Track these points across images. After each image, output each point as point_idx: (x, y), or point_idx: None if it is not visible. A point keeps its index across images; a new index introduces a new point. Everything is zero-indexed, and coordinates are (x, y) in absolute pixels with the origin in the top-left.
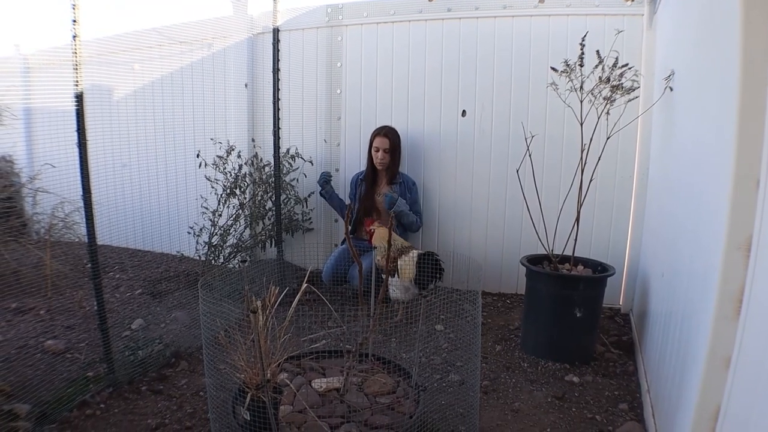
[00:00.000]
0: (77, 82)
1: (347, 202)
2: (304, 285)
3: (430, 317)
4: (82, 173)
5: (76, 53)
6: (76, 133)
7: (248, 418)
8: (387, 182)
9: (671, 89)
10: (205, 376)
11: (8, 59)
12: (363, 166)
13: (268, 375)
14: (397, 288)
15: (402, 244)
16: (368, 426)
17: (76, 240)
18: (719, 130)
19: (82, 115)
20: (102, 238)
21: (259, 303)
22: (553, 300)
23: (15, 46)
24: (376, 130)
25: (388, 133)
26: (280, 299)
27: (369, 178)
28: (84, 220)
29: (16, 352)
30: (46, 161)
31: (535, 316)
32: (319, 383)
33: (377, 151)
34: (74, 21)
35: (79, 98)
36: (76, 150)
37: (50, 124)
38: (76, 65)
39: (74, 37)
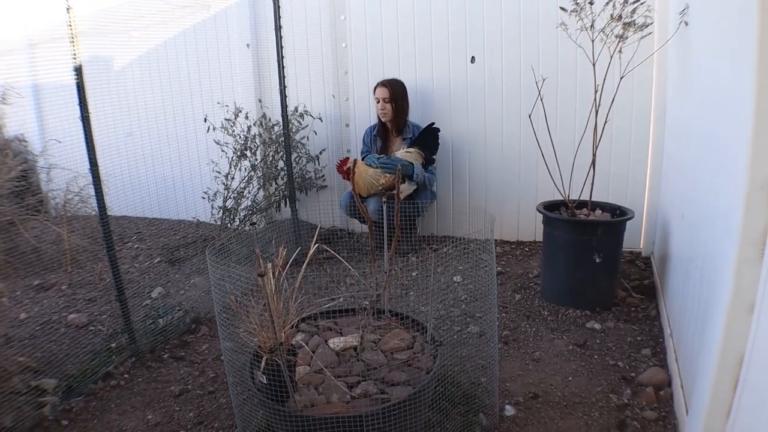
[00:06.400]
0: (75, 54)
1: (360, 156)
2: (314, 245)
3: (448, 269)
4: (87, 146)
5: (71, 26)
6: (78, 107)
7: (265, 382)
8: (396, 134)
9: (686, 24)
10: (220, 342)
11: (10, 38)
12: (373, 120)
13: (282, 338)
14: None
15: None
16: (386, 383)
17: (93, 213)
18: (738, 64)
19: (83, 88)
20: (119, 209)
21: (268, 265)
22: (571, 246)
23: (23, 26)
24: (377, 82)
25: (387, 83)
26: (293, 258)
27: (381, 132)
28: (94, 192)
29: (40, 328)
30: (56, 137)
31: (554, 263)
32: (336, 342)
33: (378, 101)
34: None
35: (79, 71)
36: (80, 123)
37: (56, 100)
38: (73, 38)
39: (68, 9)
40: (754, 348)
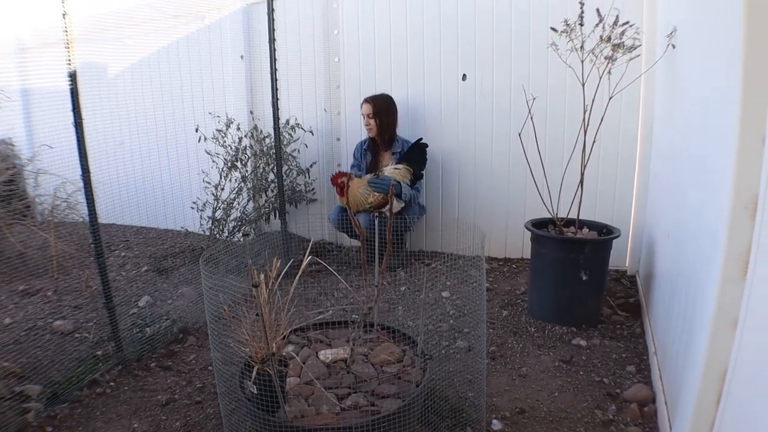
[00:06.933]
0: (70, 60)
1: (350, 170)
2: (307, 257)
3: (436, 284)
4: (80, 153)
5: (67, 31)
6: (71, 113)
7: (255, 392)
8: (384, 149)
9: (674, 46)
10: (211, 352)
11: (2, 41)
12: (364, 134)
13: (273, 348)
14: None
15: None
16: (375, 395)
17: (80, 220)
18: (724, 86)
19: (77, 94)
20: (107, 216)
21: (261, 277)
22: (559, 264)
23: (15, 30)
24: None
25: (370, 99)
26: (284, 271)
27: (371, 147)
28: (84, 199)
29: (25, 333)
30: (45, 142)
31: (541, 280)
32: (326, 354)
33: (363, 117)
34: None
35: (73, 77)
36: (73, 130)
37: (46, 105)
38: (68, 43)
39: (64, 14)
40: (737, 362)
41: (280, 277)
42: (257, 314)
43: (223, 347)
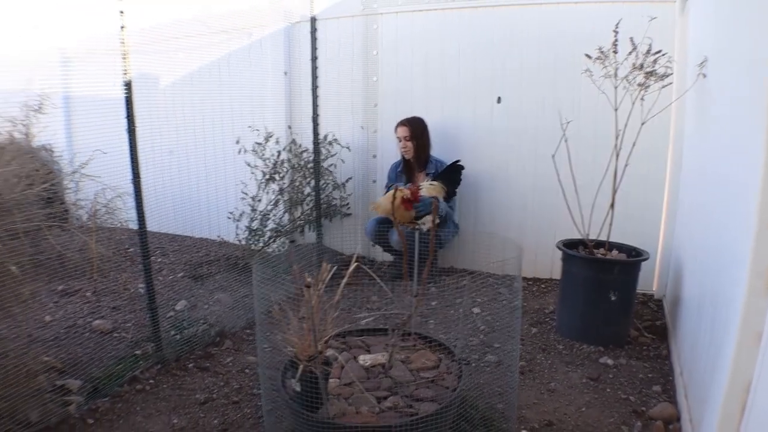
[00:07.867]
0: (125, 70)
1: (383, 189)
2: (353, 264)
3: (466, 300)
4: (132, 159)
5: (123, 43)
6: (125, 120)
7: (299, 390)
8: (419, 169)
9: (704, 76)
10: (257, 348)
11: (48, 50)
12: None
13: (319, 348)
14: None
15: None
16: (413, 398)
17: (118, 225)
18: (751, 113)
19: (131, 103)
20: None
21: (311, 279)
22: (588, 284)
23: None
24: (398, 122)
25: (406, 122)
26: (327, 278)
27: (405, 169)
28: (134, 203)
29: (65, 331)
30: (90, 149)
31: (570, 299)
32: (365, 359)
33: (399, 140)
34: (122, 12)
35: (128, 86)
36: (126, 136)
37: (93, 113)
38: (124, 54)
39: (122, 27)
40: (761, 373)
41: (326, 280)
42: (302, 316)
43: (265, 348)
